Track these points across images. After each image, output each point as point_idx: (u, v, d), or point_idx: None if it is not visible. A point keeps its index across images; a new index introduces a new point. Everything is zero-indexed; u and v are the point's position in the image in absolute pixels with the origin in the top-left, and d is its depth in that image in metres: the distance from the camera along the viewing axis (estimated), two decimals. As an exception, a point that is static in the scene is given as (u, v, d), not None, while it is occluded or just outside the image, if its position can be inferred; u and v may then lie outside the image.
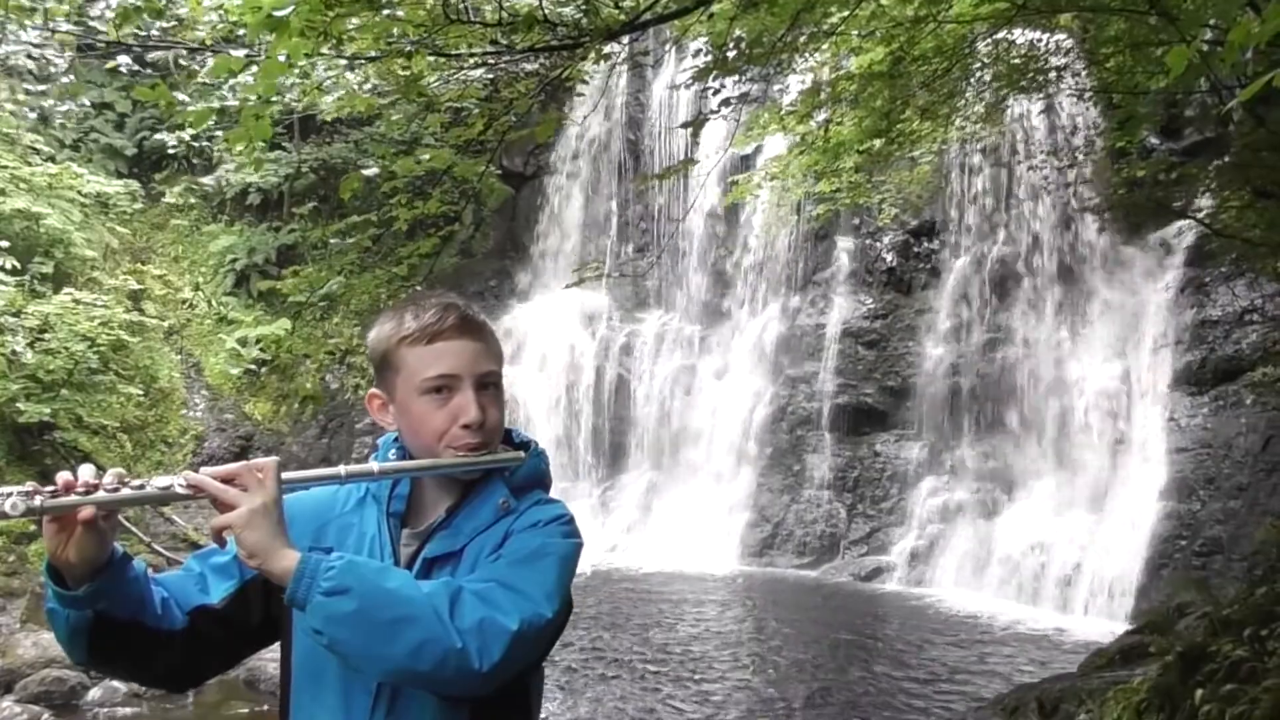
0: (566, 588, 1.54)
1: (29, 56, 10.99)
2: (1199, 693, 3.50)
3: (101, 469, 1.42)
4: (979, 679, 7.76)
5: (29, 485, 1.36)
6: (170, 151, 13.69)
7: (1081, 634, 8.96)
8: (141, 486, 1.40)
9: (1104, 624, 9.19)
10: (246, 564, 1.43)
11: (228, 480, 1.43)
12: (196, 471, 1.43)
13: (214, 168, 14.05)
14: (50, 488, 1.36)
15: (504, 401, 1.65)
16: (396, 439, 1.68)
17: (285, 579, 1.40)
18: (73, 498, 1.36)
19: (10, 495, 1.32)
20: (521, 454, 1.65)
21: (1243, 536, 9.26)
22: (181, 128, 13.16)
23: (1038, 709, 5.02)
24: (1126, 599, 9.65)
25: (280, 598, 1.50)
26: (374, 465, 1.55)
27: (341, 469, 1.52)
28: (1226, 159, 7.26)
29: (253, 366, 13.04)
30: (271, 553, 1.40)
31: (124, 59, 12.36)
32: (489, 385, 1.62)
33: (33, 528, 9.40)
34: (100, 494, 1.37)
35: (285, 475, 1.46)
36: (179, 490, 1.41)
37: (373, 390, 1.67)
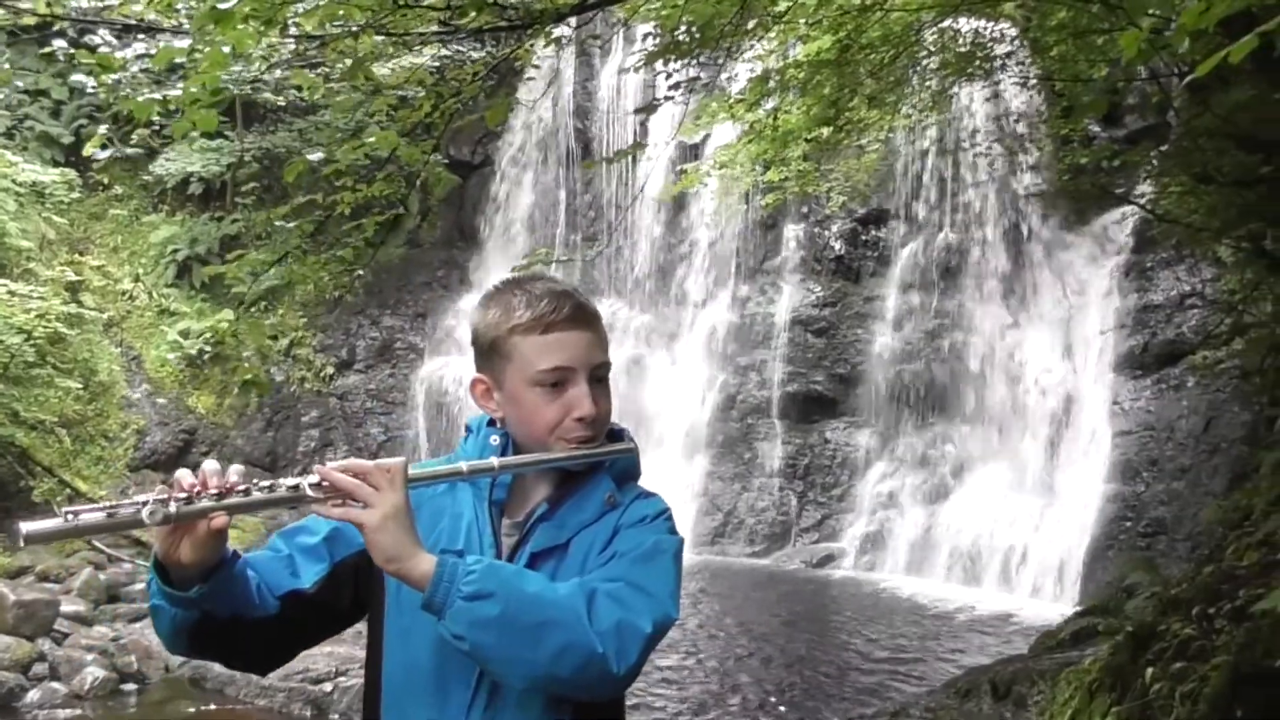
0: (680, 585, 1.53)
1: None
2: (1149, 671, 3.55)
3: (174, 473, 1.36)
4: (931, 662, 7.84)
5: (160, 492, 1.30)
6: (104, 149, 13.31)
7: (1030, 616, 9.08)
8: (270, 488, 1.35)
9: (1052, 606, 9.33)
10: (383, 568, 1.38)
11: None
12: (325, 466, 1.38)
13: (153, 156, 13.72)
14: (182, 494, 1.30)
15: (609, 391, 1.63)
16: (490, 422, 1.63)
17: (422, 583, 1.35)
18: (206, 503, 1.31)
19: (147, 503, 1.27)
20: (632, 445, 1.63)
21: (1185, 517, 9.44)
22: (118, 117, 12.83)
23: (990, 691, 5.07)
24: (1074, 581, 9.80)
25: (369, 582, 1.49)
26: (494, 461, 1.51)
27: (464, 465, 1.49)
28: (1167, 146, 7.38)
29: (198, 349, 12.75)
30: (408, 557, 1.36)
31: (59, 43, 12.02)
32: (601, 377, 1.59)
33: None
34: (233, 498, 1.32)
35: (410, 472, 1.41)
36: (309, 491, 1.36)
37: (477, 375, 1.62)
